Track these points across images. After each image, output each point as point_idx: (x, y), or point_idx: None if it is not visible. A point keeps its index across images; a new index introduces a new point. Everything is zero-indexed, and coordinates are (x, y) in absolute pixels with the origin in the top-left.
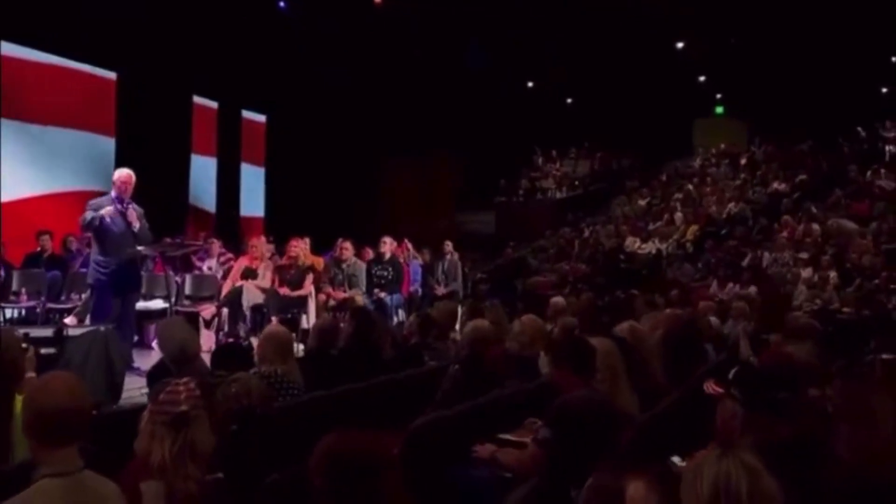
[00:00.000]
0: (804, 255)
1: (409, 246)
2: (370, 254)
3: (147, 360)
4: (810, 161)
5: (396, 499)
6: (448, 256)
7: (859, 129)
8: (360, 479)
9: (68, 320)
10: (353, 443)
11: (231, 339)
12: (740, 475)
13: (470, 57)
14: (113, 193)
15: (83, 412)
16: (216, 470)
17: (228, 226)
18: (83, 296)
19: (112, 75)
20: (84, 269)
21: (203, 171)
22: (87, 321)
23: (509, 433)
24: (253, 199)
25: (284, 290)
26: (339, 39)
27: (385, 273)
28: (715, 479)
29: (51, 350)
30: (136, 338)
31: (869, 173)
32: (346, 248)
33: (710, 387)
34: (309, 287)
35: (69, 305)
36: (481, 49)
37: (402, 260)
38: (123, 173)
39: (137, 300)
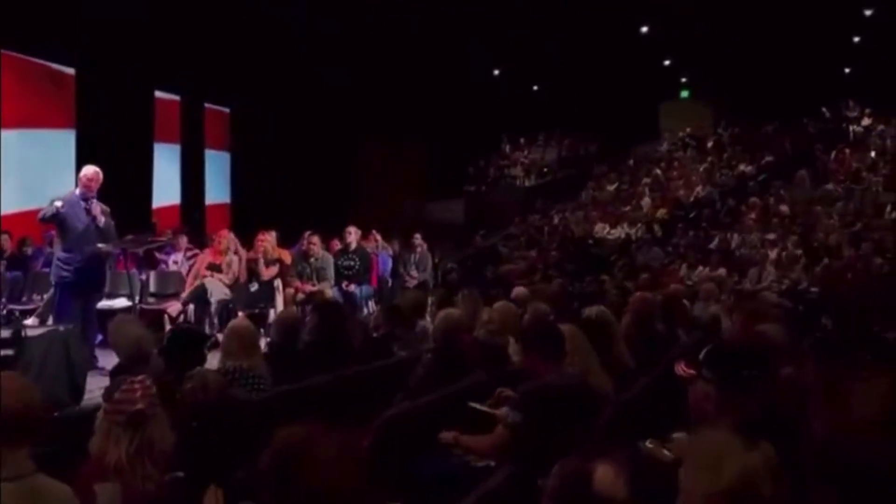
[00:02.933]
0: (772, 236)
1: (378, 237)
2: (338, 245)
3: (112, 359)
4: (776, 142)
5: (354, 498)
6: (418, 249)
7: (824, 109)
8: (310, 478)
9: (30, 321)
10: (304, 440)
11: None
12: (765, 473)
13: None
14: (77, 191)
15: (36, 413)
16: (177, 467)
17: (193, 216)
18: (45, 296)
19: (70, 70)
20: (46, 269)
21: (167, 161)
22: (50, 321)
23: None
24: (219, 187)
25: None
26: (306, 29)
27: (352, 263)
28: (742, 472)
29: (9, 352)
30: (100, 337)
31: (834, 153)
32: (315, 244)
33: (681, 369)
34: (273, 271)
35: (31, 306)
36: None
37: (369, 250)
38: (90, 171)
39: (100, 299)
